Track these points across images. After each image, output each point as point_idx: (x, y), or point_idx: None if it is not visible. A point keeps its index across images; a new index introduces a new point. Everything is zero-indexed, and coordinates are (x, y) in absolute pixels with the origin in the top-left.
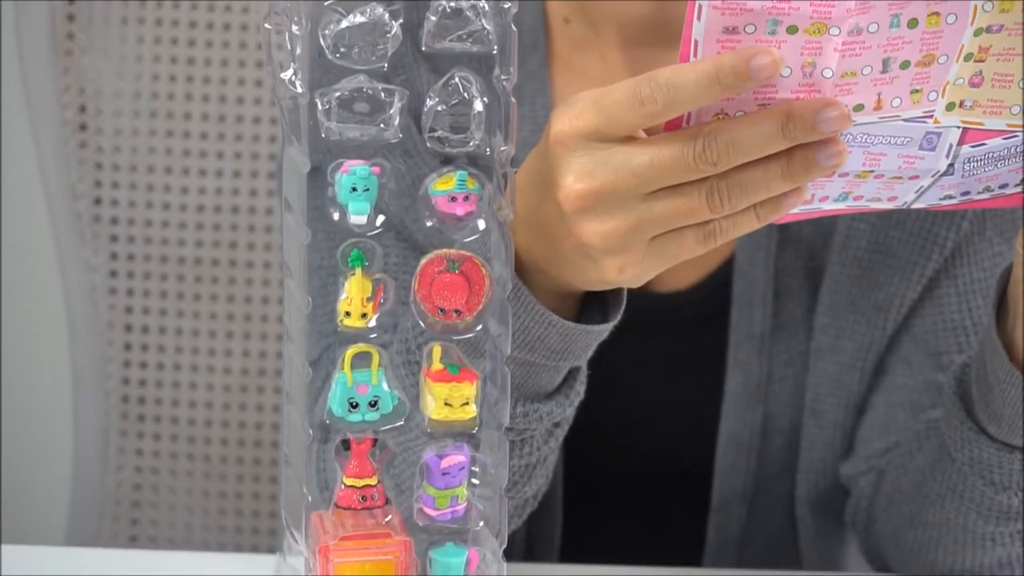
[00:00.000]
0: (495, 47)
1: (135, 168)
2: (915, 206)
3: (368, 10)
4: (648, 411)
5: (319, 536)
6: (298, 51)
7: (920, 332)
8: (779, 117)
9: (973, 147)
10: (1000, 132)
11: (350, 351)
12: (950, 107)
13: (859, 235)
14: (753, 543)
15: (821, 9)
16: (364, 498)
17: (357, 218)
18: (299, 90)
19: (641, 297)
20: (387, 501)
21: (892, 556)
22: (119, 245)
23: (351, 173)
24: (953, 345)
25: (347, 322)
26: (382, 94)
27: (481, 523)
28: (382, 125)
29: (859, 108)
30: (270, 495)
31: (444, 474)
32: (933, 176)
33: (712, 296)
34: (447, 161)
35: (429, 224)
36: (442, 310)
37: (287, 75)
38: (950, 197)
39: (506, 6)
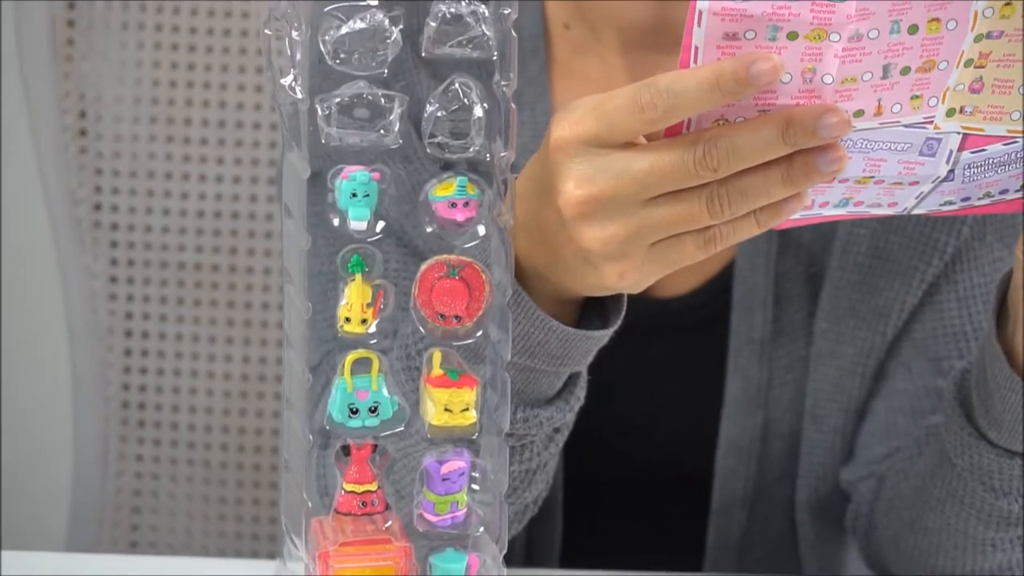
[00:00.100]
0: (495, 53)
1: (135, 173)
2: (915, 212)
3: (368, 16)
4: (648, 416)
5: (319, 542)
6: (298, 57)
7: (920, 337)
8: (779, 123)
9: (973, 153)
10: (1000, 138)
11: (350, 357)
12: (950, 113)
13: (859, 240)
14: (753, 548)
15: (821, 15)
16: (364, 504)
17: (357, 224)
18: (299, 96)
19: (641, 302)
20: (387, 507)
21: (892, 561)
22: (119, 251)
23: (351, 179)
24: (953, 350)
25: (347, 328)
26: (382, 100)
27: (481, 529)
28: (382, 131)
29: (859, 114)
30: (270, 500)
31: (444, 480)
32: (933, 182)
33: (712, 301)
34: (447, 167)
35: (429, 230)
36: (442, 316)
37: (287, 81)
38: (950, 203)
39: (506, 12)
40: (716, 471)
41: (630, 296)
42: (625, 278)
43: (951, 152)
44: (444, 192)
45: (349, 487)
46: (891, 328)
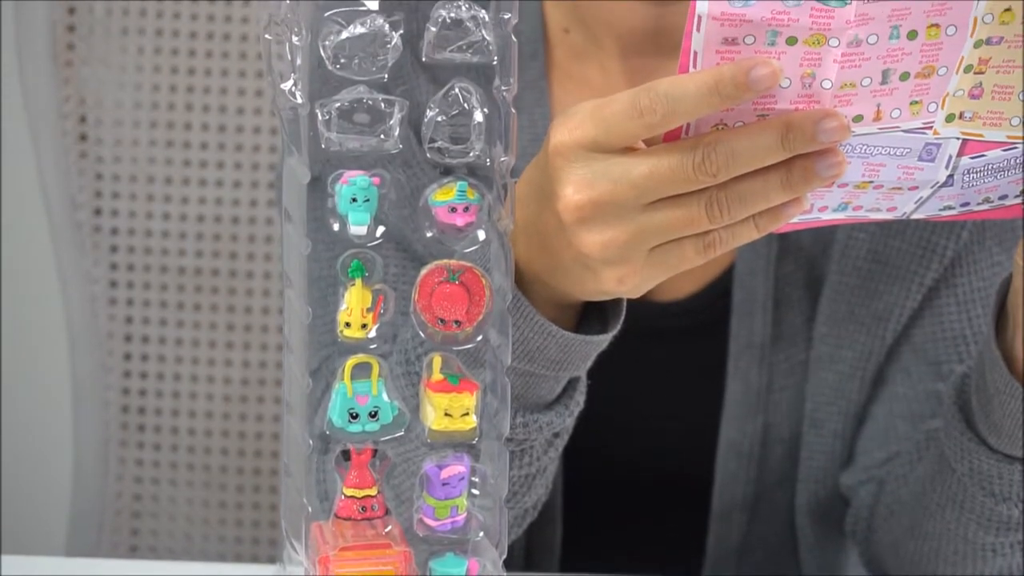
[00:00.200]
0: (495, 58)
1: (135, 178)
2: (914, 216)
3: (368, 21)
4: (648, 420)
5: (319, 546)
6: (298, 62)
7: (920, 342)
8: (778, 128)
9: (972, 159)
10: (1000, 144)
11: (350, 362)
12: (950, 118)
13: (858, 244)
14: (753, 552)
15: (820, 20)
16: (364, 508)
17: (357, 229)
18: (299, 101)
19: (641, 306)
20: (387, 511)
21: (892, 566)
22: (119, 255)
23: (351, 184)
24: (953, 354)
25: (347, 333)
26: (382, 105)
27: (481, 533)
28: (382, 136)
29: (858, 119)
30: (270, 505)
31: (444, 484)
32: (932, 187)
33: (712, 305)
34: (447, 172)
35: (429, 235)
36: (442, 320)
37: (287, 86)
38: (949, 208)
39: (506, 17)
40: (716, 475)
41: (629, 300)
42: (624, 283)
43: (950, 157)
44: (444, 197)
45: (349, 492)
46: (891, 332)
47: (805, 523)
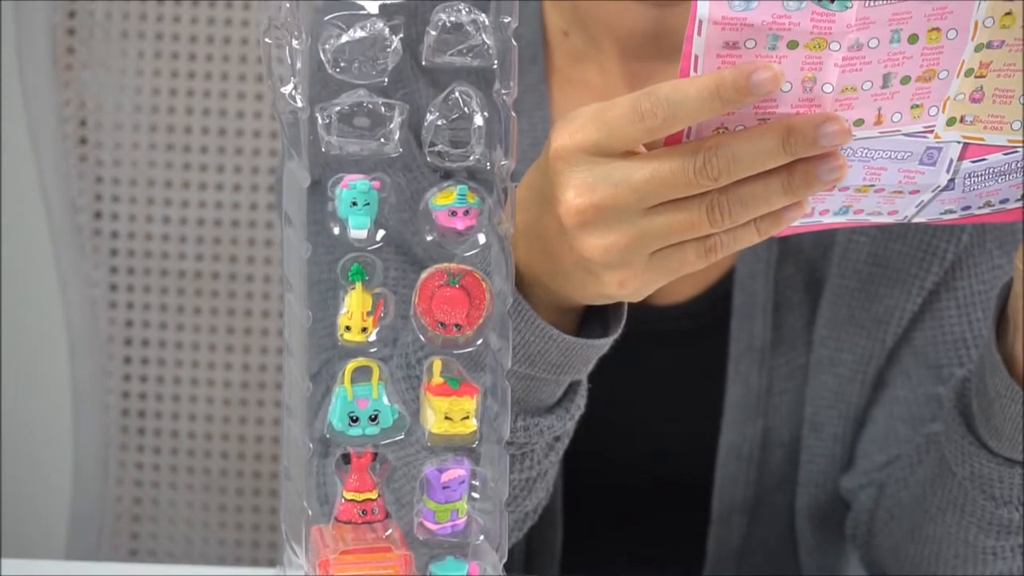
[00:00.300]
0: (495, 61)
1: (135, 182)
2: (916, 220)
3: (368, 25)
4: (648, 423)
5: (319, 550)
6: (298, 65)
7: (920, 345)
8: (780, 132)
9: (974, 162)
10: (1001, 147)
11: (350, 365)
12: (951, 122)
13: (859, 248)
14: (753, 555)
15: (821, 24)
16: (364, 512)
17: (357, 232)
18: (299, 104)
19: (641, 310)
20: (387, 515)
21: (893, 570)
22: (119, 259)
23: (351, 187)
24: (953, 358)
25: (347, 336)
26: (382, 108)
27: (481, 537)
28: (382, 139)
29: (859, 123)
30: (270, 508)
31: (444, 488)
32: (934, 191)
33: (712, 309)
34: (447, 175)
35: (429, 238)
36: (442, 324)
37: (287, 89)
38: (951, 211)
39: (506, 20)
40: (716, 478)
41: (630, 303)
42: (625, 286)
43: (951, 161)
44: (444, 201)
45: (349, 495)
46: (891, 336)
47: (805, 526)
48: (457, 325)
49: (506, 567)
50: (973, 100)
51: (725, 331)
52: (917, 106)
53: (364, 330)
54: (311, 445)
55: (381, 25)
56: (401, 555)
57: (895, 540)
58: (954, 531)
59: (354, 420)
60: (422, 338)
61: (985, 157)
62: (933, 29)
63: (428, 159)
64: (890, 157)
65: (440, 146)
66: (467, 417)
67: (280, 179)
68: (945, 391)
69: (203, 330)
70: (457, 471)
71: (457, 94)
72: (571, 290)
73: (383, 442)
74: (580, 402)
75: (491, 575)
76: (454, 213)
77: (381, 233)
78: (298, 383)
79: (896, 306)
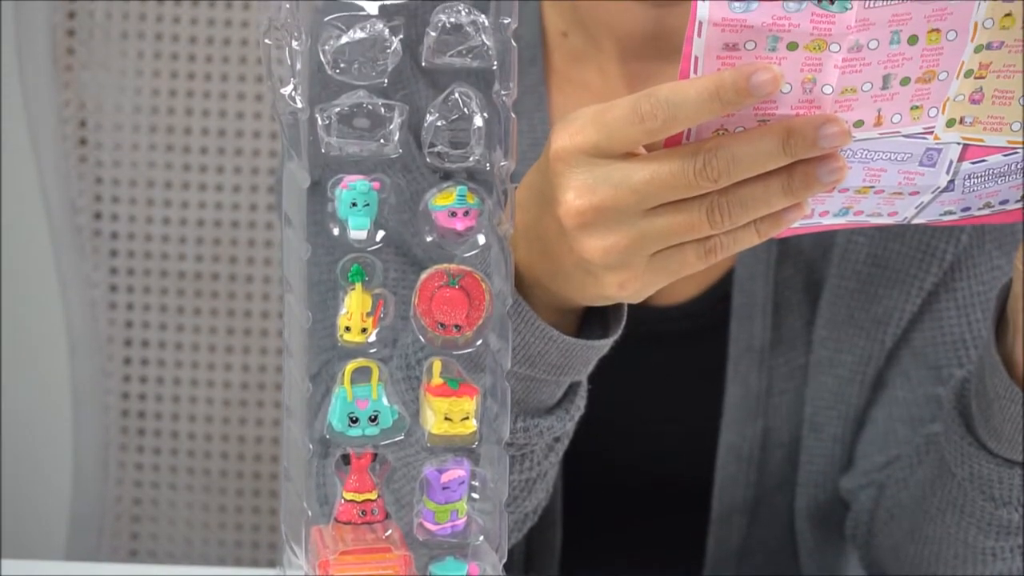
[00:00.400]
0: (495, 62)
1: (135, 183)
2: (915, 221)
3: (368, 26)
4: (648, 424)
5: (319, 551)
6: (298, 66)
7: (919, 345)
8: (779, 133)
9: (973, 163)
10: (1000, 148)
11: (350, 366)
12: (950, 123)
13: (858, 248)
14: (753, 556)
15: (821, 26)
16: (364, 513)
17: (357, 233)
18: (299, 105)
19: (641, 310)
20: (387, 516)
21: (892, 570)
22: (119, 260)
23: (351, 188)
24: (953, 358)
25: (347, 337)
26: (382, 109)
27: (481, 537)
28: (382, 140)
29: (859, 124)
30: (270, 509)
31: (444, 488)
32: (933, 192)
33: (711, 309)
34: (447, 176)
35: (429, 239)
36: (442, 325)
37: (287, 90)
38: (950, 213)
39: (505, 21)
40: (716, 479)
41: (629, 304)
42: (626, 288)
43: (951, 162)
44: (444, 201)
45: (349, 496)
46: (890, 336)
47: (805, 527)
48: (457, 326)
49: (506, 567)
50: (973, 101)
51: (724, 332)
52: (917, 107)
53: (364, 331)
54: (311, 446)
55: (381, 26)
56: (401, 556)
57: (895, 540)
58: (954, 532)
59: (354, 421)
60: (422, 339)
61: (985, 158)
62: (933, 30)
63: (428, 160)
64: (890, 158)
65: (440, 147)
66: (467, 418)
67: (280, 180)
68: (944, 392)
69: (203, 331)
70: (457, 472)
71: (457, 95)
72: (571, 291)
73: (383, 443)
74: (580, 403)
75: (491, 575)
76: (454, 214)
77: (381, 234)
78: (298, 384)
79: (895, 307)
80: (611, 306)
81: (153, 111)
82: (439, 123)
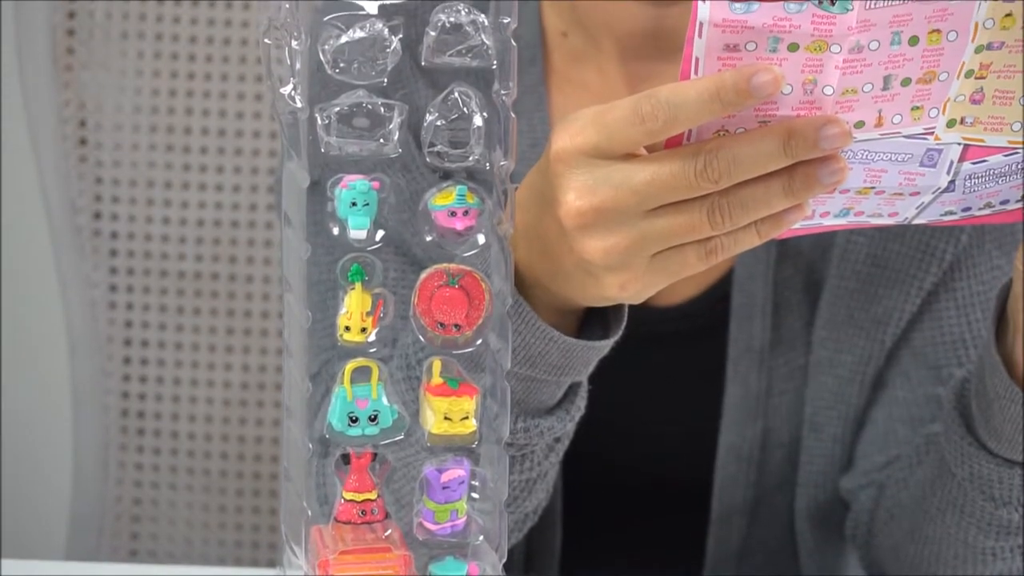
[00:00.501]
0: (494, 62)
1: (135, 182)
2: (916, 222)
3: (368, 25)
4: (647, 424)
5: (319, 550)
6: (298, 66)
7: (919, 345)
8: (780, 134)
9: (974, 164)
10: (1001, 149)
11: (350, 365)
12: (951, 124)
13: (858, 248)
14: (753, 556)
15: (822, 27)
16: (364, 512)
17: (357, 233)
18: (299, 105)
19: (640, 311)
20: (387, 515)
21: (892, 570)
22: (119, 259)
23: (351, 188)
24: (952, 358)
25: (347, 336)
26: (382, 109)
27: (481, 537)
28: (381, 140)
29: (860, 125)
30: (270, 509)
31: (444, 488)
32: (934, 192)
33: (711, 310)
34: (446, 176)
35: (429, 239)
36: (442, 324)
37: (287, 90)
38: (951, 213)
39: (505, 21)
40: (715, 479)
41: (629, 305)
42: (626, 289)
43: (952, 163)
44: (443, 201)
45: (349, 496)
46: (890, 336)
47: (805, 527)
48: (456, 325)
49: (506, 567)
50: (973, 101)
51: (724, 332)
52: (917, 108)
53: (363, 330)
54: (311, 445)
55: (380, 26)
56: (401, 555)
57: (895, 541)
58: (954, 532)
59: (354, 420)
60: (422, 339)
61: (985, 158)
62: (933, 31)
63: (427, 159)
64: (891, 159)
65: (439, 146)
66: (466, 417)
67: (279, 180)
68: (944, 392)
69: (203, 331)
70: (457, 471)
71: (456, 94)
72: (571, 292)
73: (383, 442)
74: (580, 403)
75: (490, 575)
76: (453, 213)
77: (380, 233)
78: (298, 384)
79: (895, 307)
80: (612, 307)
81: (153, 111)
82: (439, 123)
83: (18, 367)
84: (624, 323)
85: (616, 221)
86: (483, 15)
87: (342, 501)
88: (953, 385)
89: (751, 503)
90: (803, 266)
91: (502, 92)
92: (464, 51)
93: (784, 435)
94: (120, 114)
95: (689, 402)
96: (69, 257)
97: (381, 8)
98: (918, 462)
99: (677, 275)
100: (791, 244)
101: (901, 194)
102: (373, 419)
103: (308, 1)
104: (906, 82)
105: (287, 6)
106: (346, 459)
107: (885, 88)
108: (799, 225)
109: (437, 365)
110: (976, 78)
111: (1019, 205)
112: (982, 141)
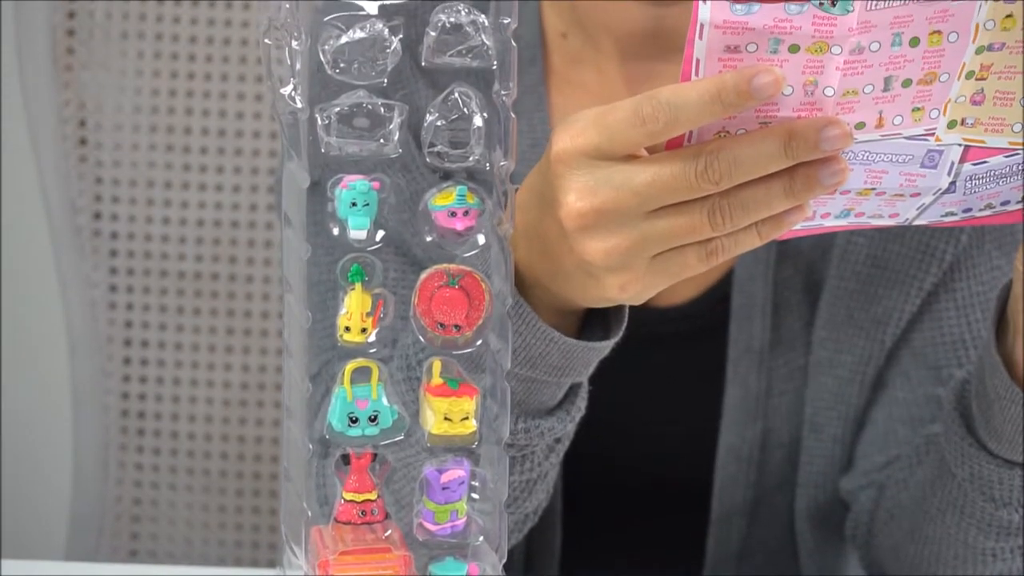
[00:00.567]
0: (495, 62)
1: (135, 183)
2: (917, 223)
3: (368, 25)
4: (647, 425)
5: (319, 551)
6: (298, 66)
7: (919, 346)
8: (781, 136)
9: (975, 165)
10: (1001, 150)
11: (350, 366)
12: (952, 125)
13: (858, 249)
14: (753, 556)
15: (823, 28)
16: (364, 513)
17: (357, 233)
18: (299, 105)
19: (640, 312)
20: (387, 516)
21: (892, 570)
22: (119, 260)
23: (351, 188)
24: (952, 359)
25: (347, 337)
26: (382, 109)
27: (481, 538)
28: (382, 140)
29: (861, 126)
30: (270, 509)
31: (444, 489)
32: (935, 193)
33: (711, 310)
34: (446, 176)
35: (429, 239)
36: (442, 325)
37: (287, 90)
38: (952, 214)
39: (505, 21)
40: (716, 480)
41: (629, 306)
42: (627, 290)
43: (952, 164)
44: (443, 201)
45: (349, 496)
46: (890, 337)
47: (805, 527)
48: (456, 326)
49: (505, 568)
50: (974, 102)
51: (724, 333)
52: (918, 109)
53: (364, 331)
54: (311, 446)
55: (380, 26)
56: (401, 556)
57: (895, 541)
58: (954, 532)
59: (354, 421)
60: (422, 339)
61: (986, 159)
62: (934, 32)
63: (427, 160)
64: (891, 160)
65: (439, 147)
66: (467, 418)
67: (280, 180)
68: (945, 392)
69: (203, 331)
70: (457, 472)
71: (456, 95)
72: (572, 293)
73: (383, 443)
74: (581, 404)
75: (490, 575)
76: (453, 214)
77: (380, 234)
78: (298, 384)
79: (895, 307)
80: (612, 308)
81: (153, 111)
82: (439, 123)
83: (18, 367)
84: (625, 324)
85: (617, 222)
86: (483, 15)
87: (342, 501)
88: (953, 386)
89: (751, 503)
90: (803, 267)
91: (502, 92)
92: (464, 51)
93: (784, 435)
94: (120, 114)
95: (689, 402)
96: (69, 257)
97: (381, 8)
98: (918, 462)
99: (678, 276)
100: (791, 245)
101: (902, 195)
102: (373, 419)
103: (308, 1)
104: (907, 83)
105: (287, 6)
106: (346, 459)
107: (886, 89)
108: (800, 226)
109: (437, 365)
110: (977, 79)
111: (1019, 206)
112: (983, 142)
